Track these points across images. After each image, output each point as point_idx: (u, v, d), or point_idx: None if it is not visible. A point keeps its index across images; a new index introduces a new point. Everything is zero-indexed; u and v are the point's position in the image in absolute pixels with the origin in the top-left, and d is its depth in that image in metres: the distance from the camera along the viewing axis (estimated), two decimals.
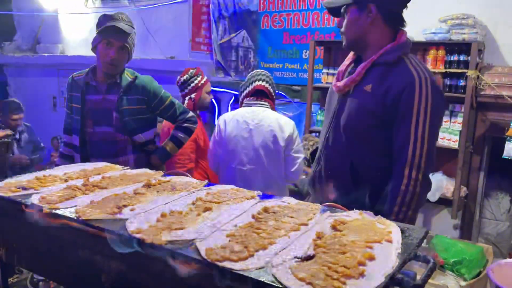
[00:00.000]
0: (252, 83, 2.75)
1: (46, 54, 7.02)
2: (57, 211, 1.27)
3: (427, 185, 1.68)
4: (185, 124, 2.59)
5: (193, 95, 3.17)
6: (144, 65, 5.24)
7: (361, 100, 1.73)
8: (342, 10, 1.78)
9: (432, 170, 1.69)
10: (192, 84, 3.18)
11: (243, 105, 2.78)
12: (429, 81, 1.65)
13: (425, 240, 1.47)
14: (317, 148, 2.01)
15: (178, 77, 3.23)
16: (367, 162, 1.75)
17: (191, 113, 2.63)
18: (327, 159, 1.86)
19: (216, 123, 2.84)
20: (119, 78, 2.40)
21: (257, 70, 2.85)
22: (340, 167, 1.79)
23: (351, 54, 1.90)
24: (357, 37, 1.77)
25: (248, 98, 2.76)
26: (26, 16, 7.23)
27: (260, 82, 2.73)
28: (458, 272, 3.21)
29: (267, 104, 2.73)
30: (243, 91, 2.81)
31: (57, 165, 2.46)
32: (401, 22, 1.77)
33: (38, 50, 7.34)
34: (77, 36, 6.63)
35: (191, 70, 3.23)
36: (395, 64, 1.70)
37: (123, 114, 2.37)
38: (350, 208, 1.37)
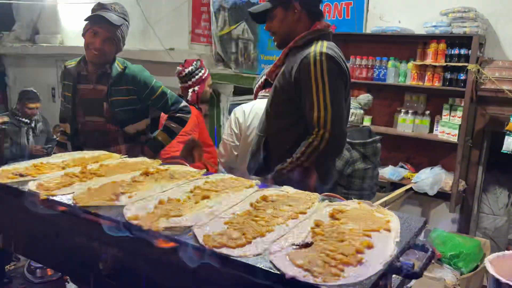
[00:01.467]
0: (264, 75, 2.72)
1: (45, 45, 6.99)
2: (54, 198, 1.27)
3: (334, 144, 1.90)
4: (178, 114, 2.54)
5: (196, 88, 3.14)
6: (143, 56, 5.22)
7: (277, 80, 2.01)
8: (269, 14, 2.00)
9: (340, 130, 1.90)
10: (197, 77, 3.14)
11: (258, 97, 2.77)
12: (323, 54, 1.85)
13: (423, 234, 1.49)
14: None
15: (179, 68, 3.16)
16: (278, 135, 2.02)
17: (184, 103, 2.58)
18: (255, 138, 2.16)
19: (231, 115, 2.80)
20: (110, 68, 2.36)
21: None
22: (259, 145, 2.07)
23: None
24: (287, 33, 1.99)
25: (262, 91, 2.76)
26: (25, 6, 7.19)
27: None
28: (456, 265, 3.22)
29: None
30: (257, 83, 2.82)
31: (54, 153, 2.46)
32: (320, 14, 2.03)
33: (37, 40, 7.31)
34: (76, 26, 6.58)
35: (195, 62, 3.18)
36: (304, 46, 1.94)
37: (113, 104, 2.34)
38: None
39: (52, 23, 7.09)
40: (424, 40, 3.72)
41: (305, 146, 1.86)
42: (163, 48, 5.70)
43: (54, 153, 2.50)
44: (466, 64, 3.46)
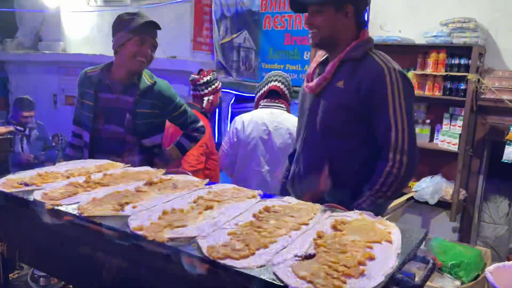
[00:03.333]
0: (267, 84, 2.76)
1: (47, 52, 7.02)
2: (59, 208, 1.28)
3: (412, 169, 1.74)
4: (195, 134, 2.58)
5: (211, 97, 3.20)
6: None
7: (335, 96, 1.80)
8: (316, 7, 1.79)
9: (416, 153, 1.76)
10: (213, 86, 3.21)
11: (260, 106, 2.78)
12: (397, 70, 1.74)
13: (423, 242, 1.50)
14: (294, 150, 2.05)
15: (196, 76, 3.22)
16: (343, 157, 1.81)
17: (201, 123, 2.62)
18: (305, 159, 1.91)
19: (231, 124, 2.84)
20: (138, 79, 2.34)
21: (275, 71, 2.87)
22: (318, 165, 1.83)
23: (317, 57, 1.96)
24: (331, 35, 1.81)
25: (264, 100, 2.77)
26: (28, 13, 7.23)
27: (275, 83, 2.73)
28: (456, 274, 3.22)
29: (283, 106, 2.74)
30: (259, 92, 2.82)
31: (67, 154, 2.50)
32: (365, 22, 1.92)
33: (39, 47, 7.35)
34: (78, 34, 6.64)
35: (212, 73, 3.26)
36: (362, 59, 1.78)
37: (137, 116, 2.33)
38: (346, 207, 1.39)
39: (55, 30, 7.13)
40: (424, 50, 3.74)
41: (384, 176, 1.69)
42: (165, 55, 5.74)
43: (67, 154, 2.52)
44: (466, 73, 3.48)
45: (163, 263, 1.07)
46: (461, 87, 3.56)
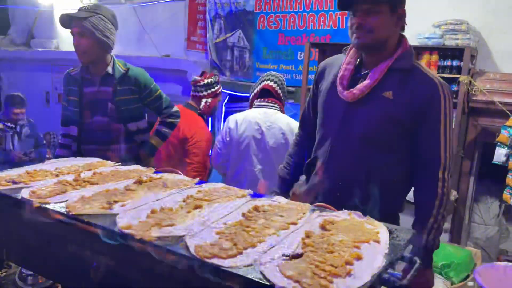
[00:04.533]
0: (261, 83, 2.78)
1: (40, 49, 6.99)
2: (47, 206, 1.27)
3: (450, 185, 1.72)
4: (169, 120, 2.68)
5: (209, 100, 3.22)
6: (139, 63, 5.22)
7: (382, 107, 1.68)
8: (368, 6, 1.65)
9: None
10: (213, 89, 3.23)
11: (254, 106, 2.79)
12: (447, 86, 1.69)
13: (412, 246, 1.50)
14: (312, 158, 1.92)
15: (197, 77, 3.24)
16: (384, 171, 1.71)
17: (175, 108, 2.72)
18: (336, 171, 1.79)
19: (225, 124, 2.85)
20: (112, 69, 2.45)
21: (269, 72, 2.89)
22: (354, 177, 1.72)
23: (350, 58, 1.81)
24: (383, 38, 1.68)
25: (258, 100, 2.78)
26: (21, 10, 7.18)
27: (268, 82, 2.74)
28: (447, 275, 3.23)
29: (277, 106, 2.75)
30: (253, 92, 2.83)
31: (57, 155, 2.57)
32: (404, 28, 1.76)
33: (32, 45, 7.30)
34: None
35: (214, 75, 3.29)
36: (411, 70, 1.69)
37: (118, 104, 2.45)
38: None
39: (48, 28, 7.09)
40: (417, 52, 3.75)
41: (439, 198, 1.64)
42: (158, 54, 5.72)
43: (57, 155, 2.58)
44: (458, 75, 3.51)
45: (150, 262, 1.06)
46: (453, 89, 3.57)
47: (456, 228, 4.02)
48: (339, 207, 1.41)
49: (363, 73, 1.75)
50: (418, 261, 1.05)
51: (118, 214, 1.22)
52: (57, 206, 1.28)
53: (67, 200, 1.31)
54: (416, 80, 1.67)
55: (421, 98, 1.65)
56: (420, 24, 3.81)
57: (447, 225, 3.99)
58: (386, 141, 1.71)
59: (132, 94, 2.50)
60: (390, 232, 1.19)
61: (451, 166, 1.67)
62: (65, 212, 1.23)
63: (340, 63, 1.83)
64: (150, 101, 2.58)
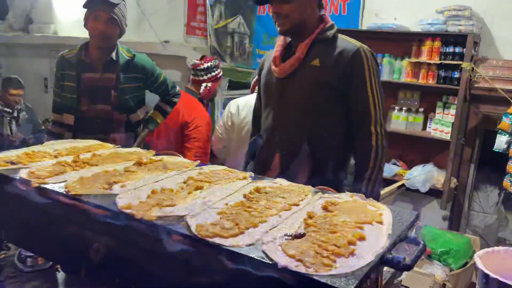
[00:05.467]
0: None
1: (38, 34, 6.91)
2: (45, 186, 1.26)
3: (387, 138, 1.86)
4: (174, 99, 2.67)
5: (209, 84, 3.19)
6: (138, 48, 5.18)
7: (311, 75, 1.83)
8: None
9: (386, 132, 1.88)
10: (213, 73, 3.21)
11: (255, 91, 2.77)
12: (370, 52, 1.83)
13: (414, 230, 1.50)
14: (255, 137, 2.06)
15: (197, 61, 3.21)
16: (322, 135, 1.85)
17: (178, 88, 2.71)
18: (280, 143, 1.92)
19: (226, 108, 2.83)
20: (116, 55, 2.36)
21: None
22: (297, 146, 1.85)
23: (280, 41, 1.96)
24: (300, 19, 1.83)
25: None
26: None
27: None
28: (445, 262, 3.25)
29: None
30: (254, 77, 2.81)
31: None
32: (323, 6, 1.93)
33: (30, 30, 7.22)
34: (70, 16, 6.51)
35: (214, 59, 3.26)
36: (334, 39, 1.85)
37: (122, 92, 2.36)
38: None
39: (46, 12, 7.01)
40: (419, 38, 3.72)
41: (373, 151, 1.79)
42: (158, 40, 5.66)
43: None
44: (460, 62, 3.47)
45: (151, 242, 1.05)
46: (455, 76, 3.55)
47: (456, 216, 4.02)
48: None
49: (291, 51, 1.90)
50: (422, 242, 1.03)
51: (118, 194, 1.20)
52: (56, 186, 1.26)
53: (66, 181, 1.30)
54: (339, 46, 1.83)
55: (344, 61, 1.79)
56: (423, 10, 3.78)
57: (446, 213, 4.00)
58: (320, 106, 1.84)
59: (137, 81, 2.42)
60: (393, 214, 1.17)
61: (382, 119, 1.82)
62: (64, 192, 1.21)
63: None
64: (156, 86, 2.54)
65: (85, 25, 2.35)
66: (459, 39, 3.50)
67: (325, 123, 1.85)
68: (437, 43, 3.60)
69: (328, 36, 1.85)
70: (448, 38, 3.57)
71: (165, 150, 1.73)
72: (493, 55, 3.60)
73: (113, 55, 2.35)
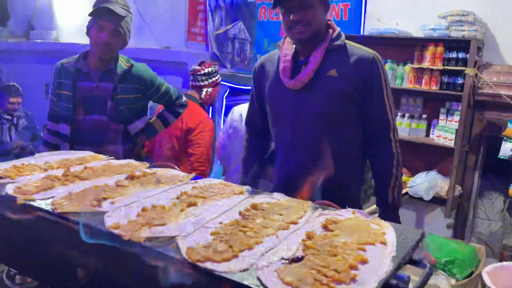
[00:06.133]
0: None
1: (39, 41, 6.90)
2: (31, 203, 1.20)
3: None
4: (179, 110, 2.62)
5: (210, 89, 3.15)
6: (138, 55, 5.15)
7: (330, 85, 1.80)
8: (303, 1, 1.75)
9: None
10: (214, 79, 3.17)
11: None
12: (378, 55, 1.83)
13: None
14: (271, 152, 2.02)
15: (197, 66, 3.17)
16: (343, 144, 1.84)
17: (184, 98, 2.65)
18: (302, 157, 1.86)
19: (229, 115, 2.79)
20: (114, 65, 2.32)
21: None
22: (320, 159, 1.80)
23: (285, 50, 1.89)
24: (319, 27, 1.81)
25: None
26: (20, 1, 7.10)
27: None
28: (450, 271, 3.16)
29: None
30: None
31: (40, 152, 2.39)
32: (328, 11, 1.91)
33: (31, 36, 7.22)
34: (71, 23, 6.50)
35: (214, 64, 3.22)
36: (345, 47, 1.84)
37: (118, 103, 2.30)
38: (343, 205, 1.32)
39: (47, 19, 7.00)
40: (422, 43, 3.67)
41: (395, 158, 1.82)
42: (158, 46, 5.63)
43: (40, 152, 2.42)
44: (464, 68, 3.41)
45: (139, 264, 0.99)
46: (459, 82, 3.49)
47: (460, 224, 3.95)
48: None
49: (303, 60, 1.85)
50: (429, 265, 0.97)
51: (107, 212, 1.14)
52: (42, 203, 1.20)
53: (53, 197, 1.24)
54: (352, 54, 1.81)
55: (362, 71, 1.79)
56: (425, 15, 3.72)
57: (450, 221, 3.93)
58: (340, 117, 1.83)
59: (134, 92, 2.36)
60: (397, 233, 1.11)
61: (395, 126, 1.86)
62: (50, 210, 1.15)
63: (277, 58, 1.93)
64: (159, 96, 2.49)
65: (88, 33, 2.31)
66: (462, 44, 3.45)
67: (344, 132, 1.85)
68: (440, 49, 3.54)
69: (340, 44, 1.83)
70: (451, 44, 3.52)
71: (161, 162, 1.67)
72: (497, 60, 3.54)
73: (112, 64, 2.31)
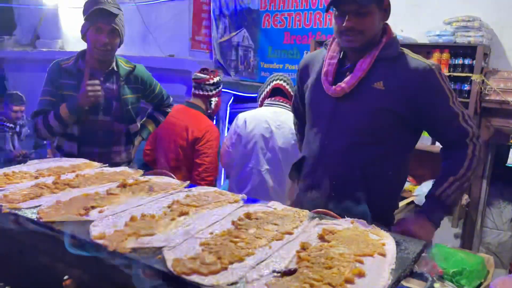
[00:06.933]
0: (270, 83, 2.72)
1: (45, 50, 6.95)
2: (17, 212, 1.15)
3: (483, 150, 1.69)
4: (168, 110, 2.69)
5: (216, 99, 3.10)
6: (143, 63, 5.13)
7: (374, 99, 1.63)
8: (357, 7, 1.58)
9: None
10: (219, 88, 3.11)
11: (264, 105, 2.72)
12: (437, 66, 1.63)
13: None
14: (300, 159, 1.86)
15: (204, 75, 3.03)
16: (378, 165, 1.66)
17: (171, 98, 2.72)
18: (328, 170, 1.71)
19: (234, 122, 2.76)
20: (116, 66, 2.33)
21: (278, 73, 2.84)
22: (349, 175, 1.66)
23: (332, 52, 1.74)
24: (374, 35, 1.63)
25: (268, 99, 2.71)
26: (26, 10, 7.15)
27: (278, 81, 2.69)
28: (458, 283, 3.08)
29: (288, 106, 2.65)
30: (262, 92, 2.77)
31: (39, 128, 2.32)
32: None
33: (37, 45, 7.27)
34: (76, 32, 6.45)
35: (218, 73, 3.16)
36: (399, 57, 1.64)
37: (123, 103, 2.34)
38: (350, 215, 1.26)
39: (53, 28, 7.05)
40: (427, 50, 3.61)
41: (468, 158, 1.60)
42: (163, 54, 5.63)
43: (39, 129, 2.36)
44: (470, 74, 3.35)
45: (125, 276, 0.94)
46: (465, 88, 3.43)
47: (468, 233, 3.86)
48: (334, 207, 1.36)
49: (348, 66, 1.68)
50: (430, 278, 0.91)
51: (93, 221, 1.10)
52: (28, 212, 1.16)
53: (40, 205, 1.19)
54: (405, 67, 1.62)
55: (414, 85, 1.59)
56: (431, 21, 3.67)
57: (458, 230, 3.84)
58: (378, 134, 1.65)
59: (136, 93, 2.42)
60: (398, 244, 1.05)
61: (475, 131, 1.63)
62: (36, 219, 1.11)
63: (322, 58, 1.77)
64: (153, 97, 2.56)
65: (84, 37, 2.30)
66: (468, 50, 3.39)
67: (380, 151, 1.66)
68: (446, 55, 3.48)
69: (391, 54, 1.65)
70: (457, 50, 3.46)
71: (156, 170, 1.63)
72: (504, 66, 3.48)
73: (113, 66, 2.33)
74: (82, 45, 2.35)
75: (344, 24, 1.60)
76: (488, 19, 3.47)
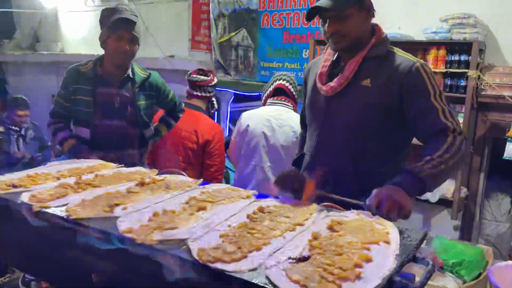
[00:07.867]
0: (273, 83, 2.79)
1: (45, 53, 6.99)
2: (47, 210, 1.24)
3: (466, 144, 1.65)
4: (179, 115, 2.75)
5: (214, 99, 3.18)
6: (143, 64, 5.19)
7: (362, 96, 1.70)
8: (337, 13, 1.66)
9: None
10: (215, 88, 3.19)
11: (267, 104, 2.80)
12: (423, 63, 1.69)
13: (425, 241, 1.45)
14: (300, 155, 1.98)
15: (204, 77, 3.08)
16: (371, 160, 1.72)
17: (182, 103, 2.78)
18: (323, 165, 1.75)
19: (238, 120, 2.86)
20: (132, 72, 2.41)
21: (281, 72, 2.90)
22: (342, 170, 1.73)
23: (327, 55, 1.84)
24: (358, 36, 1.71)
25: (271, 98, 2.79)
26: (26, 14, 7.20)
27: (281, 81, 2.76)
28: (458, 273, 3.17)
29: (290, 105, 2.75)
30: (266, 91, 2.84)
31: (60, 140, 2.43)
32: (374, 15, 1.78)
33: (37, 48, 7.31)
34: (76, 34, 6.59)
35: (215, 73, 3.27)
36: (387, 56, 1.72)
37: (138, 109, 2.42)
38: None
39: (53, 31, 7.10)
40: (424, 47, 3.69)
41: (447, 144, 1.54)
42: (163, 55, 5.70)
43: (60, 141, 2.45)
44: (466, 70, 3.43)
45: (152, 266, 1.03)
46: (461, 84, 3.51)
47: (467, 225, 3.95)
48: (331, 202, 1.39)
49: (341, 66, 1.78)
50: (431, 262, 1.00)
51: (119, 217, 1.19)
52: (57, 210, 1.25)
53: (67, 204, 1.28)
54: (391, 64, 1.69)
55: (398, 80, 1.65)
56: (427, 19, 3.75)
57: (457, 223, 3.93)
58: (369, 129, 1.71)
59: (151, 99, 2.50)
60: (401, 232, 1.14)
61: (456, 127, 1.60)
62: (65, 216, 1.20)
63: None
64: (166, 102, 2.63)
65: (103, 44, 2.35)
66: (464, 47, 3.47)
67: (372, 146, 1.72)
68: (442, 52, 3.56)
69: (380, 53, 1.72)
70: (453, 46, 3.54)
71: (169, 169, 1.72)
72: (500, 62, 3.56)
73: (129, 72, 2.41)
74: (82, 48, 2.42)
75: (326, 30, 1.71)
76: (483, 15, 3.54)
